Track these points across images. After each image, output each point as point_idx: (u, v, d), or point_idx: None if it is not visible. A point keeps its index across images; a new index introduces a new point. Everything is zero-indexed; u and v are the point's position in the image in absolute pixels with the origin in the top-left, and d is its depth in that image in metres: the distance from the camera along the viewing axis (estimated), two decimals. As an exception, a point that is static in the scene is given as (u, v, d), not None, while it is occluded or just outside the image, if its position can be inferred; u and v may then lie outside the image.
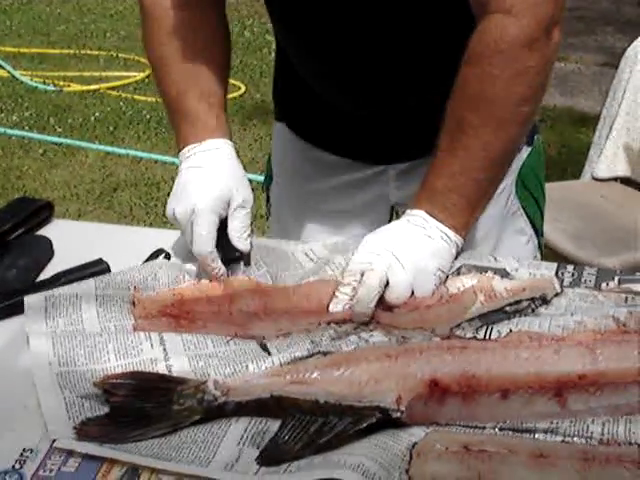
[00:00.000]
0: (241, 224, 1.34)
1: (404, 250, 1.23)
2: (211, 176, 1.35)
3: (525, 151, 1.56)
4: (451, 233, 1.27)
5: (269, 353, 1.15)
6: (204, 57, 1.44)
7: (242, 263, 1.33)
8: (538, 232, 1.63)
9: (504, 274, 1.30)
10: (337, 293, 1.23)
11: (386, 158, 1.57)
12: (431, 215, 1.27)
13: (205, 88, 1.43)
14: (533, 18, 1.22)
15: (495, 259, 1.35)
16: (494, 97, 1.24)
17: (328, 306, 1.22)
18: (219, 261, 1.30)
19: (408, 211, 1.29)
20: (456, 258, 1.30)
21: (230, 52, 1.52)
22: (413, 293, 1.23)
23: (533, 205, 1.60)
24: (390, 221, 1.56)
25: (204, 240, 1.30)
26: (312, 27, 1.44)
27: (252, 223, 1.36)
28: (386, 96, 1.48)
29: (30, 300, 1.24)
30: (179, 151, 1.41)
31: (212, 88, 1.44)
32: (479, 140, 1.25)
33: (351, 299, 1.21)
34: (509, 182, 1.54)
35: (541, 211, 1.64)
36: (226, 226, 1.33)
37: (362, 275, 1.21)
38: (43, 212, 1.54)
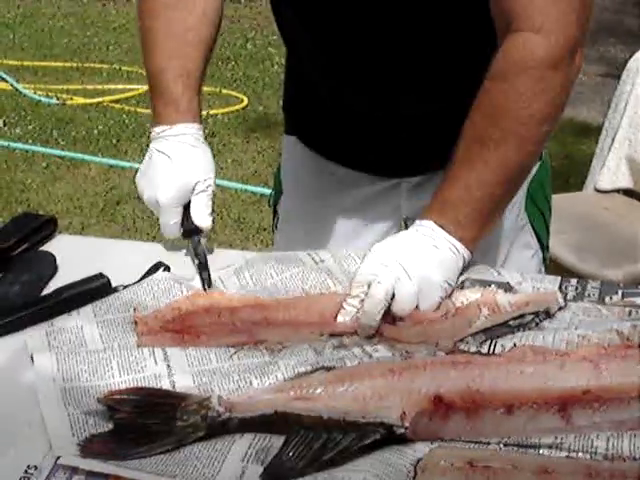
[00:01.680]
0: (200, 205, 1.43)
1: (411, 261, 1.23)
2: (175, 168, 1.43)
3: (535, 166, 1.56)
4: (459, 245, 1.27)
5: (273, 363, 1.15)
6: (191, 36, 1.47)
7: (203, 234, 1.45)
8: (543, 246, 1.63)
9: (508, 288, 1.29)
10: (344, 305, 1.23)
11: (400, 171, 1.58)
12: (440, 226, 1.27)
13: (184, 68, 1.46)
14: (560, 39, 1.25)
15: (498, 273, 1.35)
16: (518, 114, 1.26)
17: (330, 319, 1.22)
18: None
19: (417, 221, 1.29)
20: (462, 273, 1.30)
21: (217, 34, 1.53)
22: (418, 306, 1.23)
23: (540, 220, 1.61)
24: None
25: (170, 228, 1.43)
26: (328, 22, 1.45)
27: (214, 202, 1.47)
28: (401, 98, 1.48)
29: (31, 340, 1.23)
30: (152, 125, 1.48)
31: (191, 69, 1.47)
32: (499, 155, 1.26)
33: (358, 311, 1.21)
34: (519, 197, 1.54)
35: (547, 225, 1.64)
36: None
37: (369, 287, 1.22)
38: (47, 227, 1.54)
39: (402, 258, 1.23)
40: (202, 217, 1.43)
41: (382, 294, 1.20)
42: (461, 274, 1.29)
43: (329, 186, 1.64)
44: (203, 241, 1.45)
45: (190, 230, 1.44)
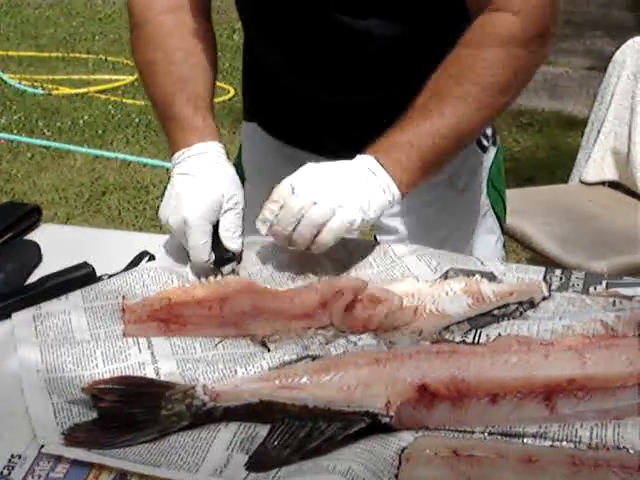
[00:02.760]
0: (231, 225, 1.36)
1: (335, 185, 1.26)
2: (201, 184, 1.36)
3: (492, 151, 1.61)
4: (393, 185, 1.29)
5: (269, 349, 1.16)
6: (192, 61, 1.46)
7: (235, 263, 1.36)
8: (503, 230, 1.66)
9: (491, 278, 1.30)
10: (263, 211, 1.28)
11: (360, 153, 1.58)
12: (381, 164, 1.29)
13: (192, 92, 1.44)
14: (536, 24, 1.33)
15: (482, 263, 1.35)
16: (483, 80, 1.31)
17: (315, 311, 1.22)
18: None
19: (358, 155, 1.32)
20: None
21: (217, 55, 1.54)
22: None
23: (500, 204, 1.65)
24: None
25: (200, 250, 1.33)
26: (279, 8, 1.46)
27: (244, 221, 1.39)
28: (355, 84, 1.49)
29: (18, 319, 1.24)
30: (171, 155, 1.43)
31: (199, 92, 1.45)
32: (455, 111, 1.31)
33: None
34: (479, 180, 1.58)
35: (505, 209, 1.69)
36: (217, 227, 1.36)
37: (289, 196, 1.26)
38: (31, 216, 1.54)
39: (327, 181, 1.27)
40: (232, 238, 1.36)
41: (297, 206, 1.24)
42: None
43: (291, 171, 1.63)
44: (237, 269, 1.36)
45: (222, 259, 1.34)
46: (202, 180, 1.37)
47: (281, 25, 1.49)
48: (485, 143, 1.60)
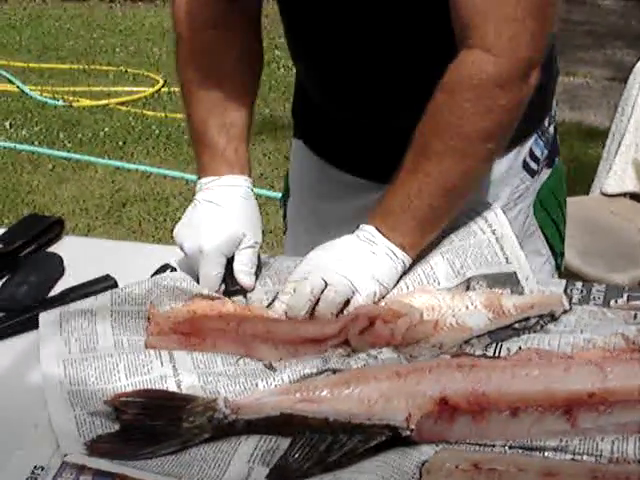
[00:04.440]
0: (248, 261, 1.36)
1: (344, 262, 1.27)
2: (223, 216, 1.37)
3: (545, 173, 1.56)
4: (398, 250, 1.29)
5: (274, 370, 1.16)
6: (229, 83, 1.44)
7: (242, 296, 1.36)
8: (557, 254, 1.62)
9: (514, 282, 1.30)
10: (275, 301, 1.28)
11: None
12: (380, 232, 1.29)
13: (227, 118, 1.43)
14: (511, 59, 1.25)
15: (507, 260, 1.34)
16: (461, 129, 1.26)
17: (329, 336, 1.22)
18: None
19: (361, 225, 1.32)
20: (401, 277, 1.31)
21: (259, 74, 1.51)
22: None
23: (551, 227, 1.60)
24: None
25: (211, 280, 1.34)
26: (317, 39, 1.45)
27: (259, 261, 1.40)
28: (396, 111, 1.47)
29: (45, 316, 1.25)
30: (198, 177, 1.43)
31: (234, 118, 1.44)
32: (440, 167, 1.28)
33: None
34: (527, 203, 1.54)
35: (560, 233, 1.64)
36: (232, 259, 1.36)
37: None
38: (54, 229, 1.55)
39: (335, 259, 1.27)
40: (245, 275, 1.35)
41: (308, 289, 1.24)
42: (402, 279, 1.31)
43: (332, 190, 1.63)
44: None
45: (232, 291, 1.35)
46: (226, 212, 1.38)
47: (317, 50, 1.47)
48: (533, 166, 1.54)
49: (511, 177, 1.52)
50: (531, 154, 1.53)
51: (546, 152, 1.56)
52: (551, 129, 1.57)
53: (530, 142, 1.52)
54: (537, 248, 1.59)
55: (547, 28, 1.28)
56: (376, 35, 1.38)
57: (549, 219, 1.59)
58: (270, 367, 1.17)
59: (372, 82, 1.45)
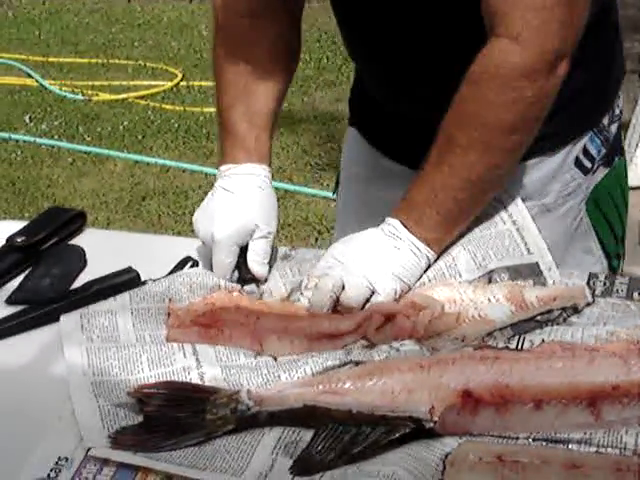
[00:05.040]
0: (261, 250, 1.37)
1: (365, 257, 1.26)
2: (238, 206, 1.38)
3: (601, 172, 1.52)
4: (422, 245, 1.28)
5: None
6: (259, 72, 1.44)
7: (256, 285, 1.36)
8: (610, 255, 1.58)
9: (537, 273, 1.30)
10: (300, 297, 1.27)
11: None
12: (405, 226, 1.28)
13: (252, 106, 1.44)
14: (538, 49, 1.22)
15: (528, 251, 1.33)
16: (485, 121, 1.25)
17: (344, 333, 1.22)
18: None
19: (387, 219, 1.31)
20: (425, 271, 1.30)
21: (293, 68, 1.51)
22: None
23: (605, 227, 1.56)
24: None
25: (223, 268, 1.35)
26: (365, 34, 1.45)
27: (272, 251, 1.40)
28: (436, 104, 1.47)
29: (65, 319, 1.25)
30: (219, 163, 1.44)
31: (260, 107, 1.44)
32: (464, 160, 1.26)
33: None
34: (577, 200, 1.50)
35: (615, 235, 1.59)
36: (247, 248, 1.37)
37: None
38: (76, 221, 1.55)
39: (357, 254, 1.26)
40: (258, 265, 1.36)
41: (329, 286, 1.23)
42: (425, 272, 1.29)
43: (383, 180, 1.61)
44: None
45: (245, 279, 1.36)
46: (240, 202, 1.38)
47: (368, 47, 1.47)
48: (587, 164, 1.50)
49: (562, 174, 1.48)
50: (585, 152, 1.49)
51: (603, 151, 1.51)
52: (612, 128, 1.53)
53: (584, 140, 1.48)
54: (589, 247, 1.55)
55: (578, 18, 1.24)
56: (425, 32, 1.38)
57: (603, 219, 1.56)
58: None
59: (421, 76, 1.43)
